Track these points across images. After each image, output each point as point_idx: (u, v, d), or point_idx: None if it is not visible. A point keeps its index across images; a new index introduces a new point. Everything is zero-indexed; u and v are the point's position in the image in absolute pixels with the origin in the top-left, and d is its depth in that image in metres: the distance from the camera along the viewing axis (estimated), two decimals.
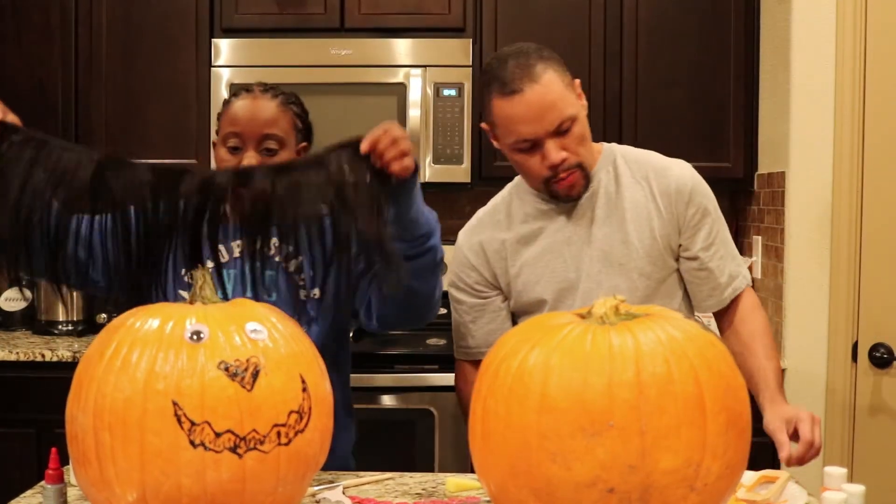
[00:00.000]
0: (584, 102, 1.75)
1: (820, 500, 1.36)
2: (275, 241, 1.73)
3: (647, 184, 1.81)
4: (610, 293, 1.71)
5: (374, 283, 1.72)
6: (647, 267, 1.79)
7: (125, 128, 3.13)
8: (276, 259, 1.73)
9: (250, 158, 1.70)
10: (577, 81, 1.75)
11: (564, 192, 1.76)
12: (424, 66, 3.02)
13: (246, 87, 1.78)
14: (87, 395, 1.15)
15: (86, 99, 3.12)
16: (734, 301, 1.84)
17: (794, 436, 1.57)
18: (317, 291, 1.74)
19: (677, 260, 1.83)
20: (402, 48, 3.04)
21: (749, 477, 1.44)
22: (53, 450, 1.43)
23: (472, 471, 1.24)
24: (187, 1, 3.11)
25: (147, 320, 1.19)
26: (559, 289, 1.80)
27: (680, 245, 1.81)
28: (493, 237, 1.85)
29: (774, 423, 1.58)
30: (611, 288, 1.76)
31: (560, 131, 1.69)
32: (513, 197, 1.87)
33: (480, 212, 1.93)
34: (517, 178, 1.89)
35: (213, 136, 1.80)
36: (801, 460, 1.54)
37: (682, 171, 1.82)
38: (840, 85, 2.71)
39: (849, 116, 2.70)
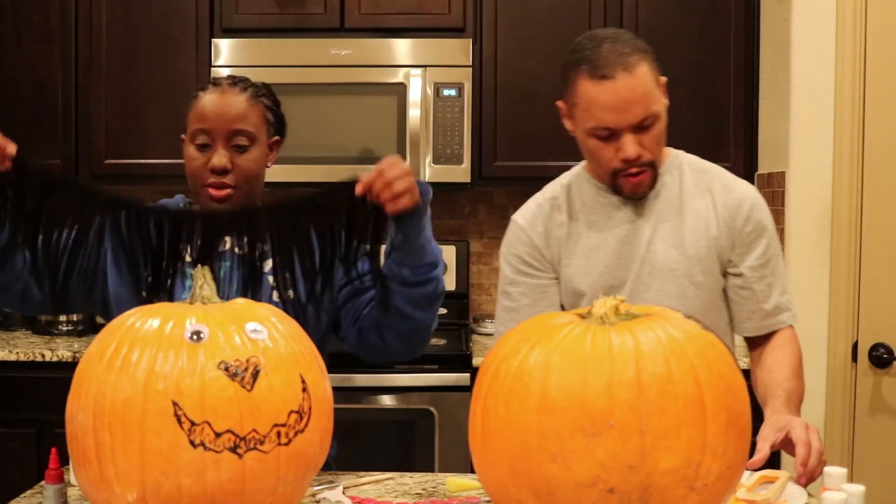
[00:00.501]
0: (666, 101, 1.72)
1: (820, 499, 1.35)
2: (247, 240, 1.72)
3: (711, 195, 1.78)
4: (657, 298, 1.72)
5: (370, 309, 1.70)
6: (698, 276, 1.76)
7: (125, 128, 3.13)
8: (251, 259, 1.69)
9: (220, 157, 1.66)
10: (664, 79, 1.71)
11: (630, 189, 1.74)
12: (424, 66, 3.02)
13: (214, 81, 1.73)
14: (87, 395, 1.15)
15: (86, 99, 3.12)
16: (772, 332, 1.80)
17: (792, 449, 1.51)
18: (291, 293, 1.69)
19: (724, 276, 1.80)
20: (402, 48, 3.04)
21: (748, 477, 1.44)
22: (53, 450, 1.43)
23: (472, 471, 1.24)
24: (187, 1, 3.11)
25: (147, 320, 1.19)
26: (606, 286, 1.76)
27: (730, 260, 1.78)
28: (555, 220, 1.82)
29: (763, 431, 1.54)
30: (659, 292, 1.74)
31: (641, 126, 1.66)
32: (572, 184, 1.84)
33: (539, 196, 1.88)
34: (577, 167, 1.87)
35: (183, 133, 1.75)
36: (805, 469, 1.47)
37: (747, 189, 1.80)
38: (840, 85, 2.71)
39: (849, 116, 2.70)
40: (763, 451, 1.48)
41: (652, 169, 1.72)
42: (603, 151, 1.69)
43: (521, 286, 1.83)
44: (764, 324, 1.80)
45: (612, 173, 1.72)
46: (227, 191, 1.67)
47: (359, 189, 1.52)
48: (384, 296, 1.65)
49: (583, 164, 1.85)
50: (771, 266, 1.79)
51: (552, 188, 1.88)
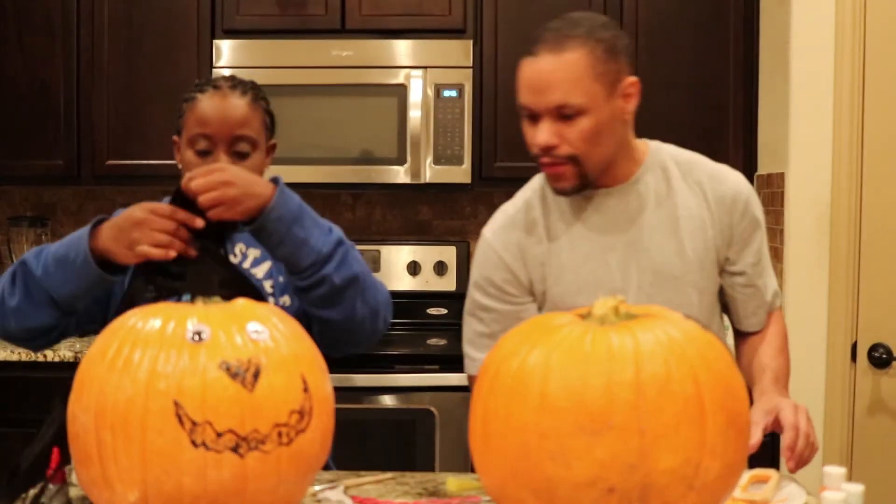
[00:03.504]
0: (627, 105, 1.58)
1: (819, 499, 1.36)
2: (241, 246, 1.69)
3: (701, 189, 1.66)
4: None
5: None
6: (701, 281, 1.65)
7: (126, 128, 3.14)
8: (244, 265, 1.67)
9: (222, 163, 1.58)
10: (630, 80, 1.58)
11: (550, 181, 1.61)
12: (425, 67, 3.03)
13: (213, 83, 1.65)
14: (89, 395, 1.16)
15: (87, 100, 3.13)
16: None
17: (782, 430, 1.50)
18: (286, 298, 1.67)
19: (720, 274, 1.70)
20: (403, 49, 3.04)
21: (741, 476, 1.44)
22: (55, 449, 1.43)
23: (473, 470, 1.24)
24: (189, 2, 3.11)
25: (148, 320, 1.19)
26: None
27: (727, 258, 1.68)
28: (531, 237, 1.68)
29: (753, 415, 1.49)
30: (663, 303, 1.59)
31: (561, 115, 1.53)
32: (546, 188, 1.70)
33: (510, 207, 1.74)
34: None
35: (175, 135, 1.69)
36: (793, 453, 1.47)
37: (738, 179, 1.69)
38: (839, 85, 2.72)
39: (848, 117, 2.71)
40: (756, 435, 1.44)
41: (574, 164, 1.56)
42: (527, 133, 1.58)
43: (495, 312, 1.69)
44: (765, 315, 1.75)
45: (536, 159, 1.59)
46: None
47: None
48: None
49: None
50: (765, 254, 1.73)
51: (524, 196, 1.73)
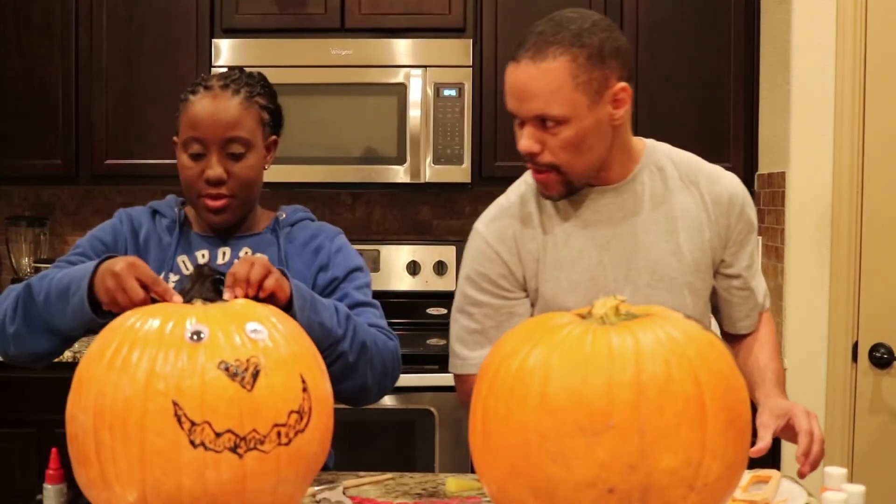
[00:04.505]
0: (617, 111, 1.52)
1: (820, 500, 1.36)
2: (247, 250, 1.68)
3: (698, 190, 1.63)
4: None
5: None
6: (696, 283, 1.63)
7: (126, 128, 3.13)
8: None
9: (215, 167, 1.58)
10: (619, 86, 1.51)
11: (538, 187, 1.59)
12: (425, 67, 3.02)
13: (205, 83, 1.62)
14: (88, 395, 1.15)
15: (87, 99, 3.12)
16: None
17: (793, 435, 1.51)
18: None
19: (714, 276, 1.69)
20: (403, 48, 3.04)
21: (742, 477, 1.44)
22: (54, 450, 1.43)
23: (473, 471, 1.24)
24: (188, 1, 3.11)
25: (147, 320, 1.19)
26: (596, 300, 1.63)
27: (723, 261, 1.67)
28: (526, 231, 1.64)
29: (763, 418, 1.50)
30: (658, 304, 1.54)
31: (543, 124, 1.50)
32: None
33: (504, 200, 1.69)
34: None
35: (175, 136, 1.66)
36: (808, 456, 1.47)
37: (734, 181, 1.67)
38: (840, 85, 2.71)
39: (849, 116, 2.71)
40: (766, 438, 1.45)
41: (557, 173, 1.54)
42: (516, 135, 1.55)
43: (486, 307, 1.65)
44: (758, 317, 1.76)
45: (525, 162, 1.57)
46: (224, 200, 1.61)
47: (227, 296, 1.32)
48: None
49: None
50: (757, 259, 1.72)
51: (518, 191, 1.68)
